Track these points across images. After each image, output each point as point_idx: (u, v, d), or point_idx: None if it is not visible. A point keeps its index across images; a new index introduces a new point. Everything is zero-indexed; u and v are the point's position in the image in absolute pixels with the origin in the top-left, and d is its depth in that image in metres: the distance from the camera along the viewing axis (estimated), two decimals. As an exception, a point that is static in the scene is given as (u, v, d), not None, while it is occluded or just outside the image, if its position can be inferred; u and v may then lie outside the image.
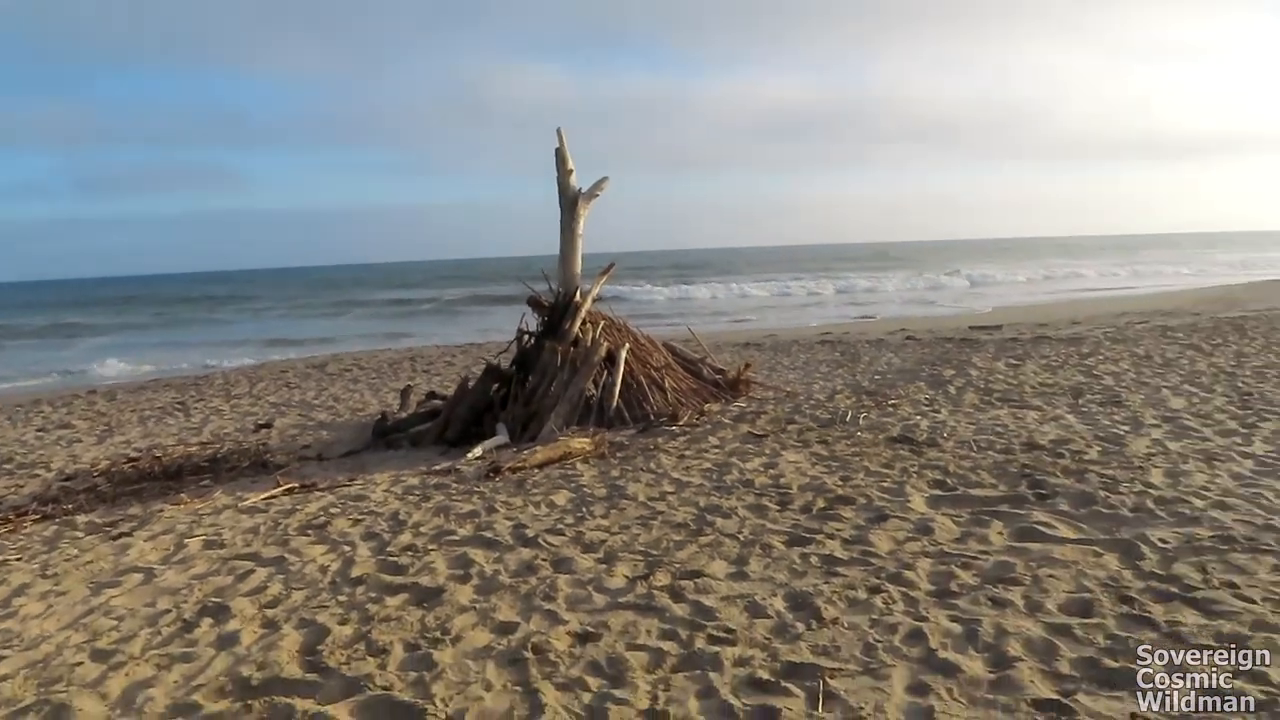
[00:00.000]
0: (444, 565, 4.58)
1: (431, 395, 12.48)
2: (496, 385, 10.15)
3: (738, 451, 7.07)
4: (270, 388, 15.55)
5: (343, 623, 3.90)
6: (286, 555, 4.94)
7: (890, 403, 8.99)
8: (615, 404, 9.41)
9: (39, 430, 12.00)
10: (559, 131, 10.22)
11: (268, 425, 11.53)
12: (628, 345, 10.04)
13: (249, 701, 3.23)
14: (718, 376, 11.19)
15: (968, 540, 4.66)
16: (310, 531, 5.40)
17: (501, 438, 9.04)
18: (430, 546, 4.91)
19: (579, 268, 10.54)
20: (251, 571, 4.69)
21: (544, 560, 4.58)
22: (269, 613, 4.09)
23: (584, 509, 5.55)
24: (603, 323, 10.47)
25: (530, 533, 5.06)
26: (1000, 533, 4.77)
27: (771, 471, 6.28)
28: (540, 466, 6.90)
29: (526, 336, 10.47)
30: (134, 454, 9.97)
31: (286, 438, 10.76)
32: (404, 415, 10.94)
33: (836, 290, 41.48)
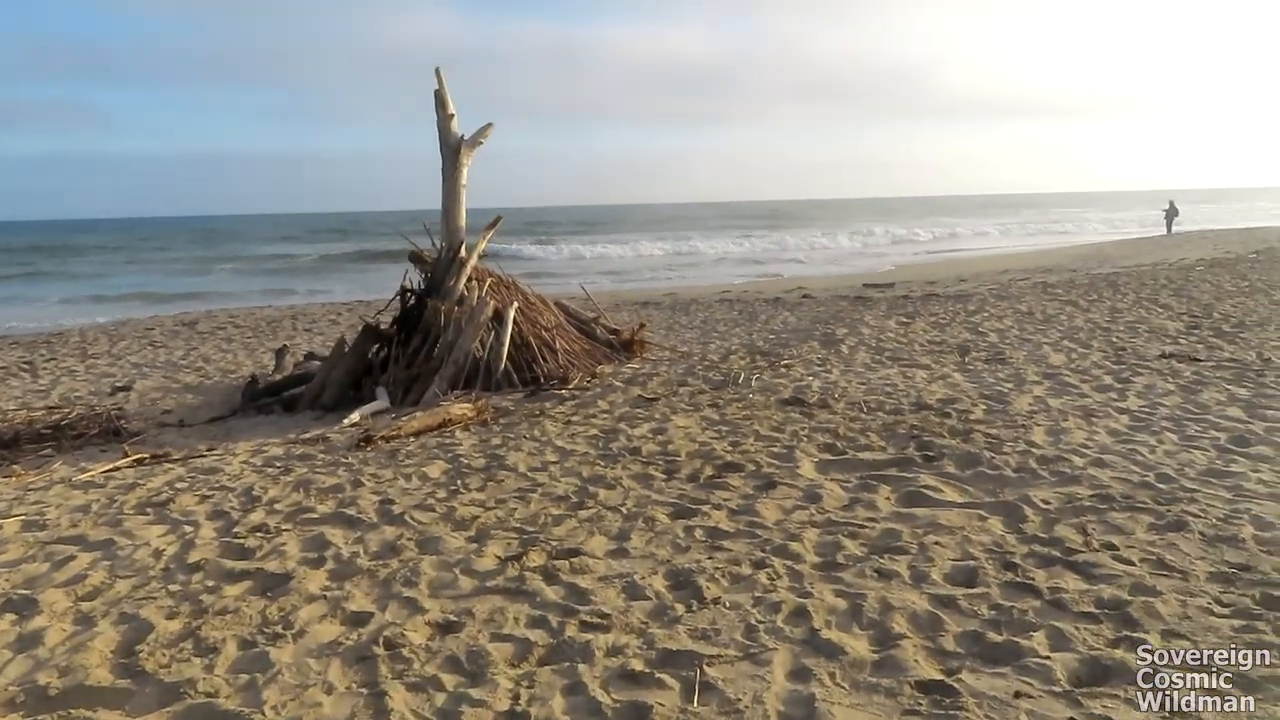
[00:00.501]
0: (296, 547, 4.15)
1: (311, 356, 11.85)
2: (377, 346, 9.62)
3: (627, 416, 6.81)
4: (133, 347, 14.50)
5: (170, 617, 3.45)
6: (117, 538, 4.39)
7: (784, 363, 8.89)
8: (503, 366, 9.03)
9: None
10: (438, 71, 9.61)
11: (126, 388, 10.68)
12: (516, 304, 9.64)
13: (41, 716, 2.80)
14: (611, 337, 10.91)
15: (855, 507, 4.53)
16: (149, 510, 4.85)
17: (381, 403, 8.56)
18: (284, 526, 4.46)
19: (463, 220, 10.02)
20: (72, 558, 4.14)
21: (409, 540, 4.20)
22: (84, 606, 3.60)
23: (459, 481, 5.17)
24: (489, 280, 10.02)
25: (397, 509, 4.66)
26: (888, 498, 4.66)
27: (660, 438, 6.04)
28: (417, 434, 6.49)
29: (409, 294, 9.94)
30: (-30, 421, 9.06)
31: (147, 402, 9.99)
32: (278, 378, 10.30)
33: (736, 248, 41.71)
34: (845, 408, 6.75)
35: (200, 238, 62.67)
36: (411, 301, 9.82)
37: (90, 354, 13.74)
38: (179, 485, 5.37)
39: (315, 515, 4.62)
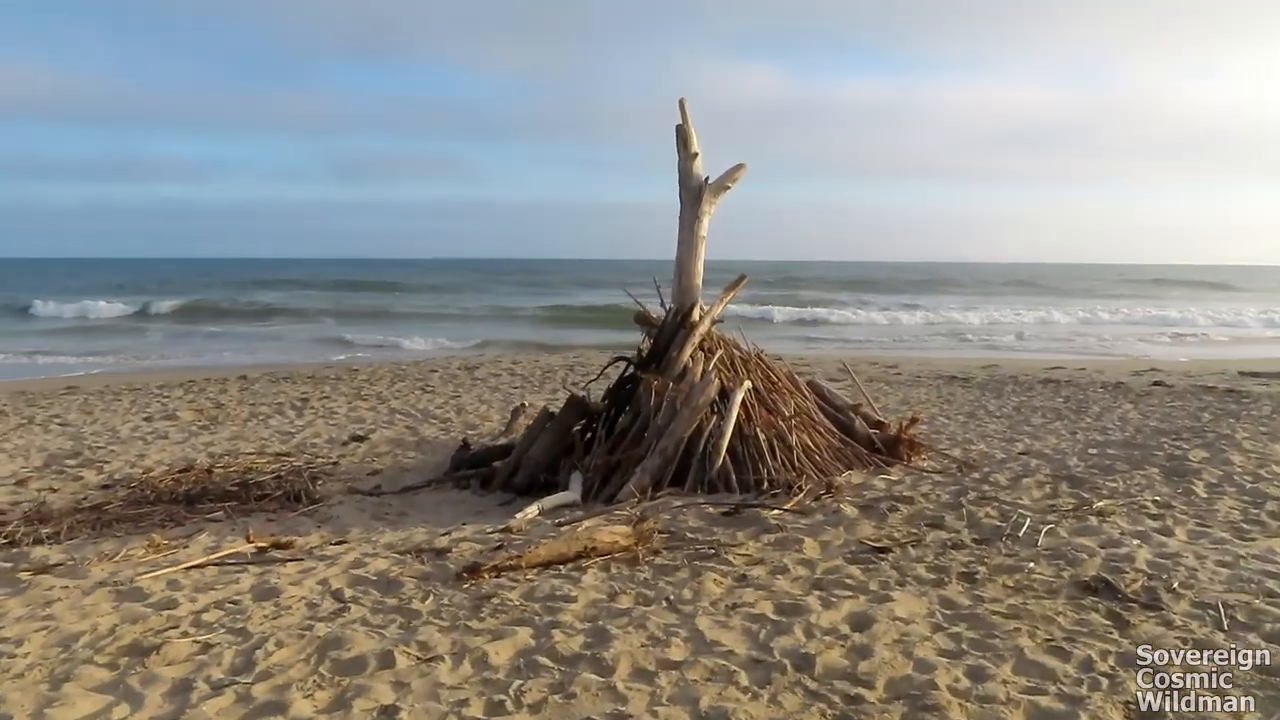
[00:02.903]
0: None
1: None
2: (585, 421, 8.33)
3: (827, 580, 4.73)
4: (407, 388, 14.69)
5: None
6: (29, 717, 3.24)
7: (1098, 505, 6.22)
8: (720, 462, 7.31)
9: (144, 418, 11.58)
10: (681, 103, 8.21)
11: (362, 438, 10.43)
12: (747, 384, 7.88)
13: None
14: (874, 432, 8.74)
15: None
16: (125, 659, 3.66)
17: (570, 494, 7.24)
18: (224, 739, 3.07)
19: (699, 279, 8.51)
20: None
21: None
22: None
23: (517, 683, 3.46)
24: (720, 351, 8.35)
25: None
26: None
27: (858, 637, 3.93)
28: (545, 565, 4.95)
29: (626, 362, 8.60)
30: (205, 460, 9.10)
31: (371, 456, 9.61)
32: (500, 443, 9.44)
33: (1076, 314, 36.49)
34: (1188, 614, 4.20)
35: (525, 280, 65.86)
36: (627, 372, 8.47)
37: (363, 394, 14.03)
38: (207, 616, 4.22)
39: (282, 721, 3.17)
